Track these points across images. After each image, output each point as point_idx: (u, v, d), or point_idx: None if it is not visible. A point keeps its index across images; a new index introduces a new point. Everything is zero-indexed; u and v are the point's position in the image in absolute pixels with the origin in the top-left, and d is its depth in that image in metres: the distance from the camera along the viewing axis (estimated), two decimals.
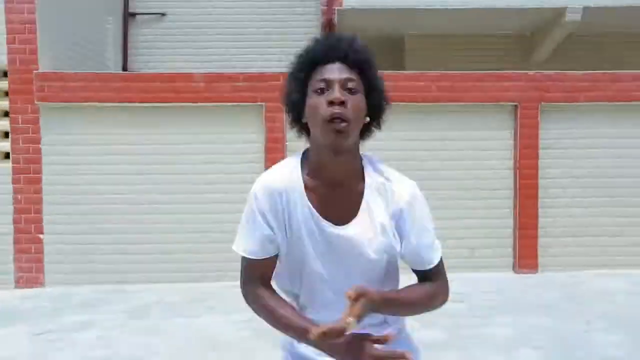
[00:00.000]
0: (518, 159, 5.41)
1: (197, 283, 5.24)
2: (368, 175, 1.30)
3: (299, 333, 1.22)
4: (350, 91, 1.22)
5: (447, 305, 1.37)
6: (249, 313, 1.38)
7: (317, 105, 1.21)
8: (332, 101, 1.19)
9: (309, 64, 1.26)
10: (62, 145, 5.27)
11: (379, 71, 1.30)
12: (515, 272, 5.45)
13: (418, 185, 1.32)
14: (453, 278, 1.45)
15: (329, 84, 1.22)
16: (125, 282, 5.23)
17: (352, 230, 1.27)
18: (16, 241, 5.23)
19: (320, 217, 1.27)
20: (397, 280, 1.38)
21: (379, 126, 1.33)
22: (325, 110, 1.19)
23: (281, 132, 5.27)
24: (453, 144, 5.42)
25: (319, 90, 1.22)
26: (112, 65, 7.75)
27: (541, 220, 5.45)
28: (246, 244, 1.30)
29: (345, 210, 1.27)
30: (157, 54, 8.12)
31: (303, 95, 1.27)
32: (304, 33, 8.06)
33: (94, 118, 5.30)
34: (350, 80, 1.22)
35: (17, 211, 5.23)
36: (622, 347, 3.61)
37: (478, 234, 5.44)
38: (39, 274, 5.24)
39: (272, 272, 1.34)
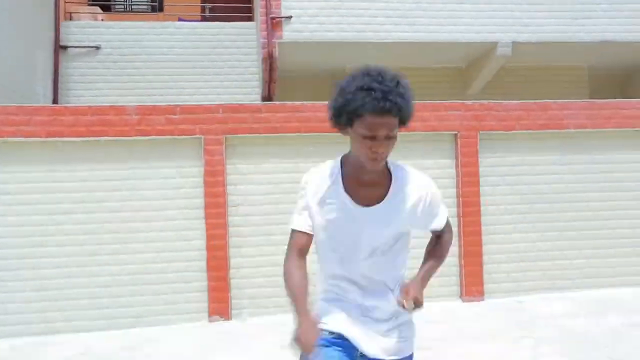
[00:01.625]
0: (460, 187, 5.47)
1: (130, 329, 4.86)
2: (395, 176, 1.68)
3: (294, 309, 1.58)
4: (390, 136, 1.51)
5: None
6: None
7: (362, 146, 1.53)
8: (375, 151, 1.52)
9: (358, 112, 1.49)
10: None
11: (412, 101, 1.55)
12: (462, 299, 5.43)
13: None
14: None
15: (375, 137, 1.50)
16: (47, 333, 4.76)
17: (377, 210, 1.65)
18: None
19: (352, 199, 1.65)
20: (406, 248, 1.83)
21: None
22: (368, 153, 1.53)
23: (221, 165, 5.08)
24: None
25: (365, 136, 1.50)
26: (42, 99, 7.35)
27: (485, 248, 5.49)
28: (294, 219, 1.70)
29: (371, 199, 1.65)
30: (91, 87, 7.79)
31: (349, 123, 1.56)
32: (243, 67, 8.01)
33: (16, 155, 4.92)
34: (392, 128, 1.50)
35: None
36: None
37: None
38: None
39: (308, 248, 1.69)
